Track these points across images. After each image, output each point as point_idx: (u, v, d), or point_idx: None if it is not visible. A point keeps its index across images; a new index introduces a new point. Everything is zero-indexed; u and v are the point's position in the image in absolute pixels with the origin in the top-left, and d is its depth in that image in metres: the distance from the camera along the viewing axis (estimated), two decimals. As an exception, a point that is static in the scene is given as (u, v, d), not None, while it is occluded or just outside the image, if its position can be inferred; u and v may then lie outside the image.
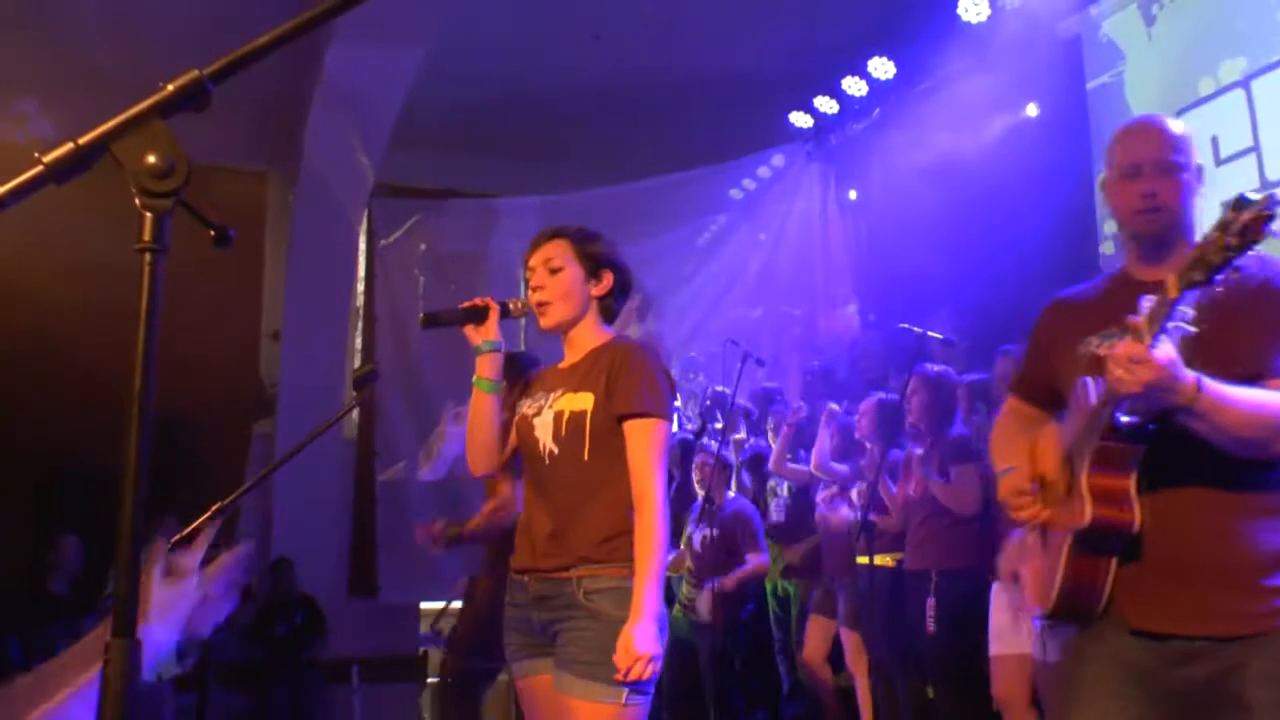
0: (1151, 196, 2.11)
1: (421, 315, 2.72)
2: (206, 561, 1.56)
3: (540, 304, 2.63)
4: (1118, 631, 2.00)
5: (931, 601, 4.50)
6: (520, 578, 2.59)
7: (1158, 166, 2.12)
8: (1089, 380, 2.00)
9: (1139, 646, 1.97)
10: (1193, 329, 1.83)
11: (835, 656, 5.52)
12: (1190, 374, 1.80)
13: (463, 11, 7.01)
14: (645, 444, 2.48)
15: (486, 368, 2.67)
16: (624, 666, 2.32)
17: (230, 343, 8.81)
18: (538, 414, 2.61)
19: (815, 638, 5.55)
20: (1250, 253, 1.78)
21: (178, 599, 1.51)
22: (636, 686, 2.36)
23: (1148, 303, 1.83)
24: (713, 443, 5.78)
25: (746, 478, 6.23)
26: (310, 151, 8.24)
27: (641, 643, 2.33)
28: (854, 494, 5.14)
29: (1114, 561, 1.97)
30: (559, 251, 2.63)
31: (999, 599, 4.25)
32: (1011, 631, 4.17)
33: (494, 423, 2.70)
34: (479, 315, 2.67)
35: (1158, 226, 2.12)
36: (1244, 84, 5.65)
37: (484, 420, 2.69)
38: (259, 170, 9.09)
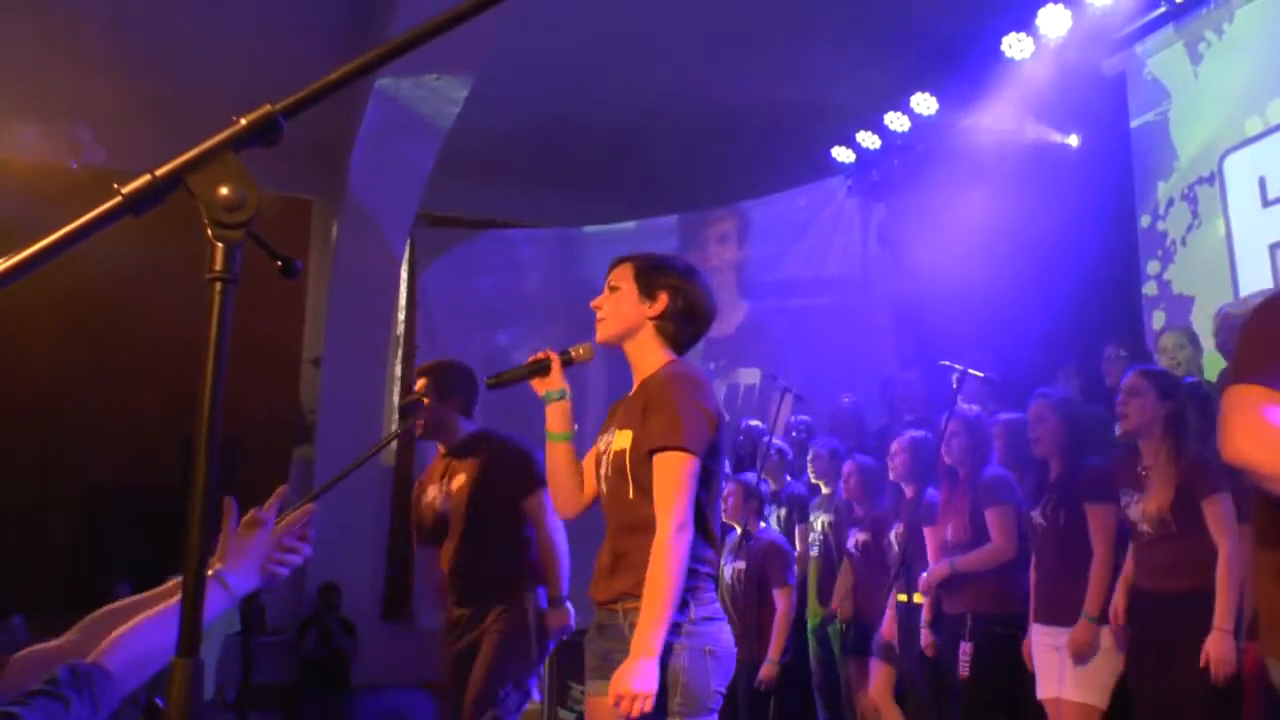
0: None
1: (487, 379, 2.81)
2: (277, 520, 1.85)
3: (598, 320, 2.72)
4: None
5: (968, 646, 4.45)
6: (594, 604, 2.68)
7: None
8: None
9: None
10: None
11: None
12: None
13: (507, 44, 7.08)
14: (664, 478, 2.47)
15: (554, 420, 2.75)
16: (612, 698, 2.32)
17: (271, 368, 8.90)
18: (605, 450, 2.68)
19: (879, 678, 5.46)
20: None
21: (252, 547, 1.79)
22: (690, 716, 2.38)
23: None
24: (751, 474, 5.74)
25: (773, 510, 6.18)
26: (355, 180, 8.33)
27: (632, 679, 2.30)
28: (893, 535, 5.09)
29: None
30: (621, 274, 2.72)
31: (1041, 640, 4.21)
32: (1058, 673, 4.13)
33: (569, 470, 2.77)
34: (542, 369, 2.76)
35: None
36: (1292, 124, 5.61)
37: (559, 469, 2.78)
38: (303, 198, 9.21)
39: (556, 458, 2.77)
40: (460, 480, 3.98)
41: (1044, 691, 4.21)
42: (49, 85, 7.02)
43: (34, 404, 8.26)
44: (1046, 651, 4.18)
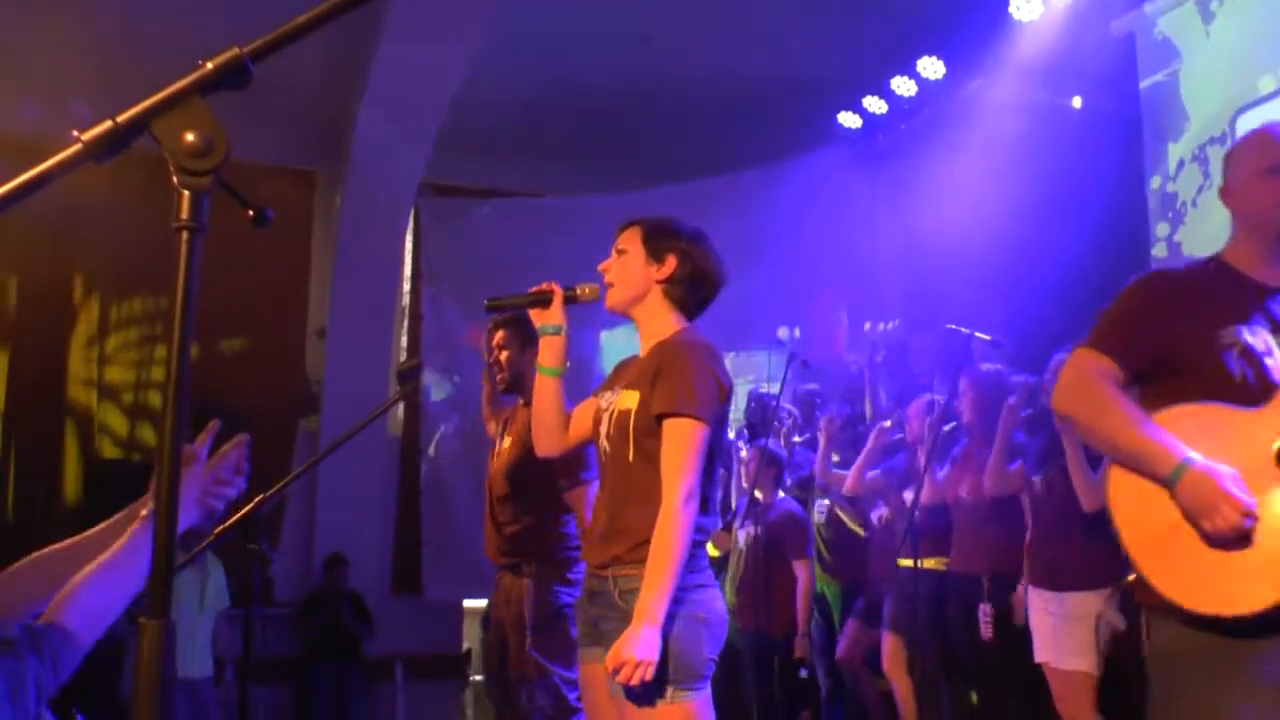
0: None
1: (486, 300, 2.80)
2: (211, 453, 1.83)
3: (606, 285, 2.69)
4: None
5: (988, 608, 4.43)
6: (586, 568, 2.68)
7: None
8: None
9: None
10: None
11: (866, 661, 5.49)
12: None
13: (512, 11, 7.01)
14: (675, 445, 2.45)
15: (547, 353, 2.76)
16: (611, 666, 2.30)
17: (276, 340, 8.89)
18: (607, 408, 2.64)
19: (852, 641, 5.49)
20: None
21: (185, 482, 1.73)
22: (683, 683, 2.35)
23: None
24: (766, 441, 5.70)
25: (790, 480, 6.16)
26: (358, 151, 8.28)
27: (635, 647, 2.28)
28: (906, 495, 5.07)
29: None
30: (629, 237, 2.70)
31: (1035, 605, 4.20)
32: (1053, 637, 4.12)
33: (555, 407, 2.78)
34: (543, 300, 2.76)
35: None
36: (1305, 82, 5.52)
37: (545, 404, 2.78)
38: (306, 169, 9.16)
39: (545, 393, 2.78)
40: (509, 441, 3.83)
41: (1040, 655, 4.23)
42: (47, 61, 6.97)
43: (46, 375, 8.27)
44: (1040, 615, 4.19)
